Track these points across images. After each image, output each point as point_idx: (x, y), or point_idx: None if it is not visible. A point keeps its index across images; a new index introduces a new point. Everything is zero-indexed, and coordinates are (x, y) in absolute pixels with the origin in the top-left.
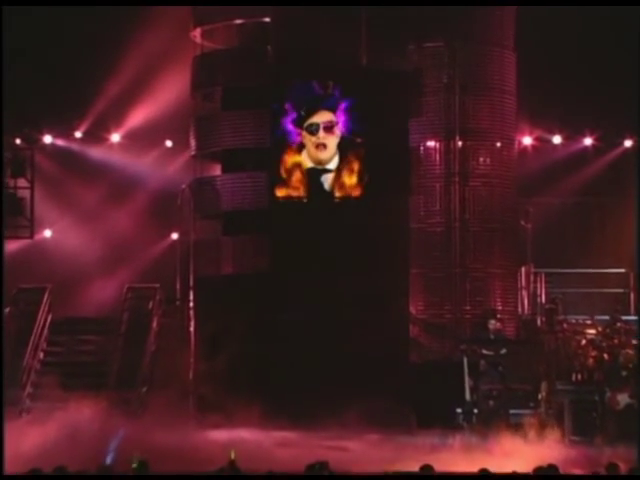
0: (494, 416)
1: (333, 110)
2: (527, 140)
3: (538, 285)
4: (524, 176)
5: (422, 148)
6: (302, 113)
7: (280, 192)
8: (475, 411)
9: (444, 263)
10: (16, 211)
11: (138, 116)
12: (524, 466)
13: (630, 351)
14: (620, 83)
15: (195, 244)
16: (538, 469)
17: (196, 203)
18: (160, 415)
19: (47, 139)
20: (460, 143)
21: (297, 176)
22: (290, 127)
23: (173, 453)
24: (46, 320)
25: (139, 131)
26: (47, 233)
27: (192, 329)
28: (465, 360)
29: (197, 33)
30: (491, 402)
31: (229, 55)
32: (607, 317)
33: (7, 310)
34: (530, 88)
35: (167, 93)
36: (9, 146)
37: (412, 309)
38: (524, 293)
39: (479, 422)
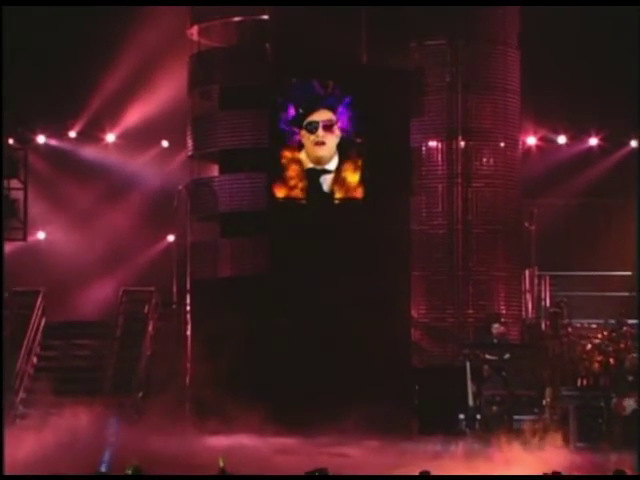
0: (497, 422)
1: (333, 109)
2: (531, 140)
3: (542, 288)
4: (528, 177)
5: (424, 148)
6: (301, 111)
7: (279, 192)
8: (478, 417)
9: (446, 266)
10: (9, 213)
11: (134, 115)
12: (528, 473)
13: (637, 355)
14: (626, 82)
15: (192, 246)
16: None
17: (193, 204)
18: (156, 421)
19: (40, 139)
20: (463, 143)
21: (296, 177)
22: (289, 126)
23: (169, 460)
24: (40, 324)
25: (135, 131)
26: (41, 235)
27: (189, 333)
28: (468, 365)
29: (194, 31)
30: (494, 408)
31: (227, 53)
32: (613, 321)
33: None
34: (534, 87)
35: (163, 92)
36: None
37: (414, 312)
38: (528, 296)
39: (482, 428)
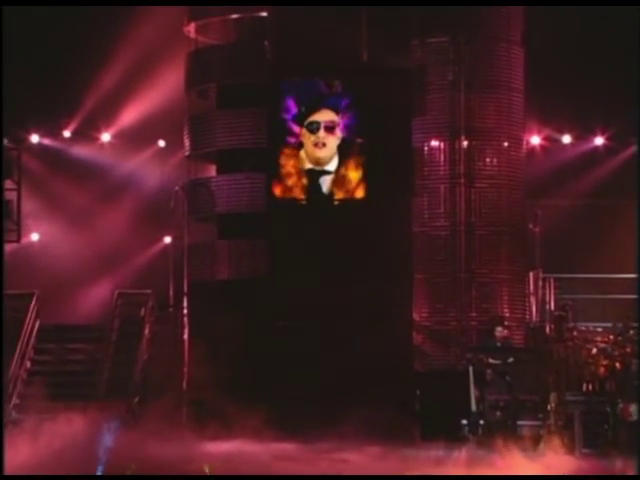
0: (501, 428)
1: (336, 110)
2: (535, 140)
3: (547, 291)
4: (532, 177)
5: (426, 148)
6: (303, 109)
7: (278, 192)
8: (481, 422)
9: (449, 268)
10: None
11: (130, 114)
12: None
13: None
14: (632, 80)
15: (189, 248)
16: None
17: (190, 205)
18: (153, 426)
19: (34, 139)
20: (465, 143)
21: (295, 177)
22: (290, 125)
23: (166, 466)
24: (33, 327)
25: (131, 130)
26: (34, 237)
27: (186, 337)
28: (471, 369)
29: (191, 28)
30: (498, 413)
31: (225, 51)
32: (619, 324)
33: None
34: (539, 85)
35: (160, 91)
36: None
37: (415, 316)
38: (532, 299)
39: (485, 434)
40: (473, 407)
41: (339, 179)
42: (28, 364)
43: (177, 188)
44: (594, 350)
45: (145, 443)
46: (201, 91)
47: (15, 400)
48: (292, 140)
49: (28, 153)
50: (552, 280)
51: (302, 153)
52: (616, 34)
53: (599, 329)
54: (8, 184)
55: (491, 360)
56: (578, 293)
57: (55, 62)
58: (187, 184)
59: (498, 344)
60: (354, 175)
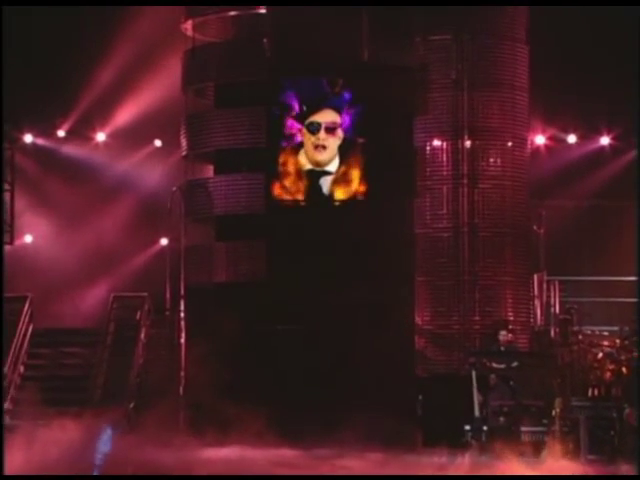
0: (505, 433)
1: (339, 110)
2: (540, 139)
3: (552, 294)
4: (537, 177)
5: (428, 148)
6: (305, 108)
7: (277, 192)
8: (484, 428)
9: (451, 270)
10: None
11: (125, 114)
12: None
13: None
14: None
15: (186, 250)
16: None
17: (187, 206)
18: (150, 432)
19: (27, 138)
20: (469, 143)
21: (295, 177)
22: (290, 124)
23: (164, 472)
24: (27, 331)
25: (126, 130)
26: (28, 238)
27: (183, 340)
28: (474, 374)
29: (188, 25)
30: (502, 419)
31: (222, 49)
32: (625, 328)
33: None
34: (543, 84)
35: (156, 89)
36: None
37: (417, 319)
38: (537, 302)
39: (489, 440)
40: (476, 412)
41: (340, 180)
42: (22, 369)
43: (174, 189)
44: (600, 354)
45: (141, 448)
46: (198, 90)
47: (8, 405)
48: (292, 140)
49: (21, 153)
50: (557, 283)
51: (301, 154)
52: (622, 32)
53: (605, 333)
54: None
55: (495, 365)
56: (584, 296)
57: (49, 61)
58: (184, 185)
59: (502, 348)
60: (355, 176)
